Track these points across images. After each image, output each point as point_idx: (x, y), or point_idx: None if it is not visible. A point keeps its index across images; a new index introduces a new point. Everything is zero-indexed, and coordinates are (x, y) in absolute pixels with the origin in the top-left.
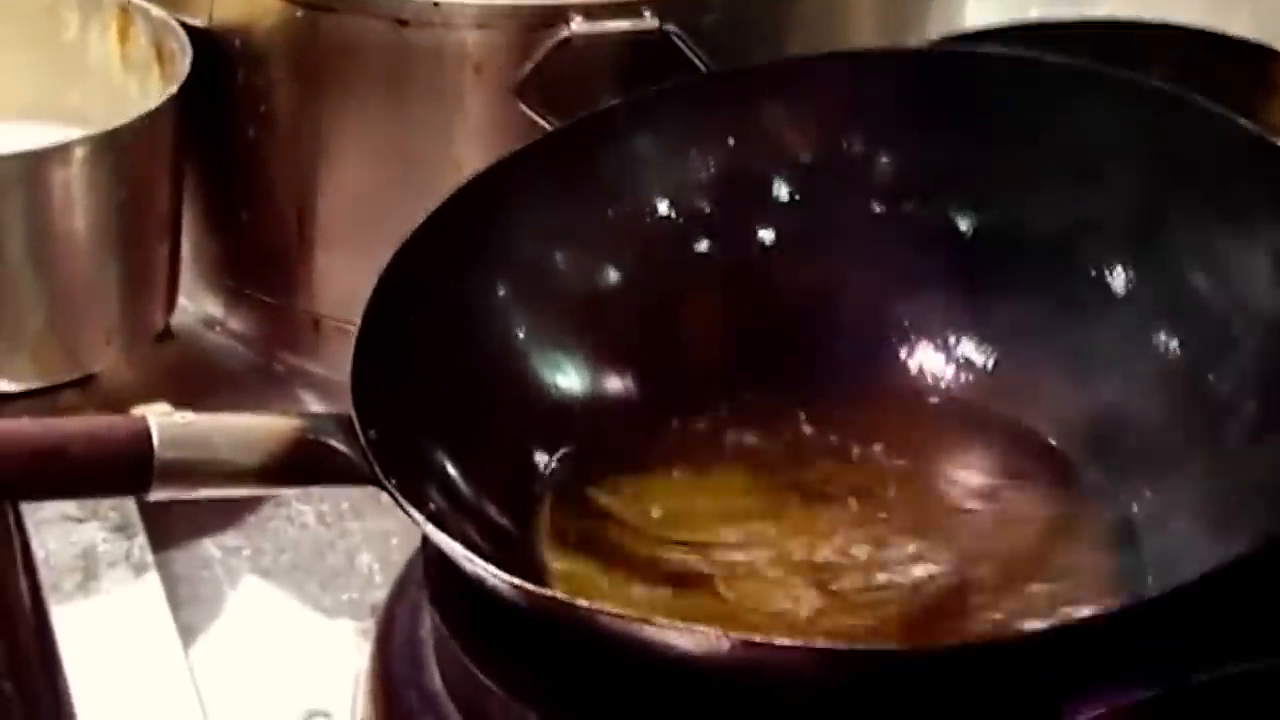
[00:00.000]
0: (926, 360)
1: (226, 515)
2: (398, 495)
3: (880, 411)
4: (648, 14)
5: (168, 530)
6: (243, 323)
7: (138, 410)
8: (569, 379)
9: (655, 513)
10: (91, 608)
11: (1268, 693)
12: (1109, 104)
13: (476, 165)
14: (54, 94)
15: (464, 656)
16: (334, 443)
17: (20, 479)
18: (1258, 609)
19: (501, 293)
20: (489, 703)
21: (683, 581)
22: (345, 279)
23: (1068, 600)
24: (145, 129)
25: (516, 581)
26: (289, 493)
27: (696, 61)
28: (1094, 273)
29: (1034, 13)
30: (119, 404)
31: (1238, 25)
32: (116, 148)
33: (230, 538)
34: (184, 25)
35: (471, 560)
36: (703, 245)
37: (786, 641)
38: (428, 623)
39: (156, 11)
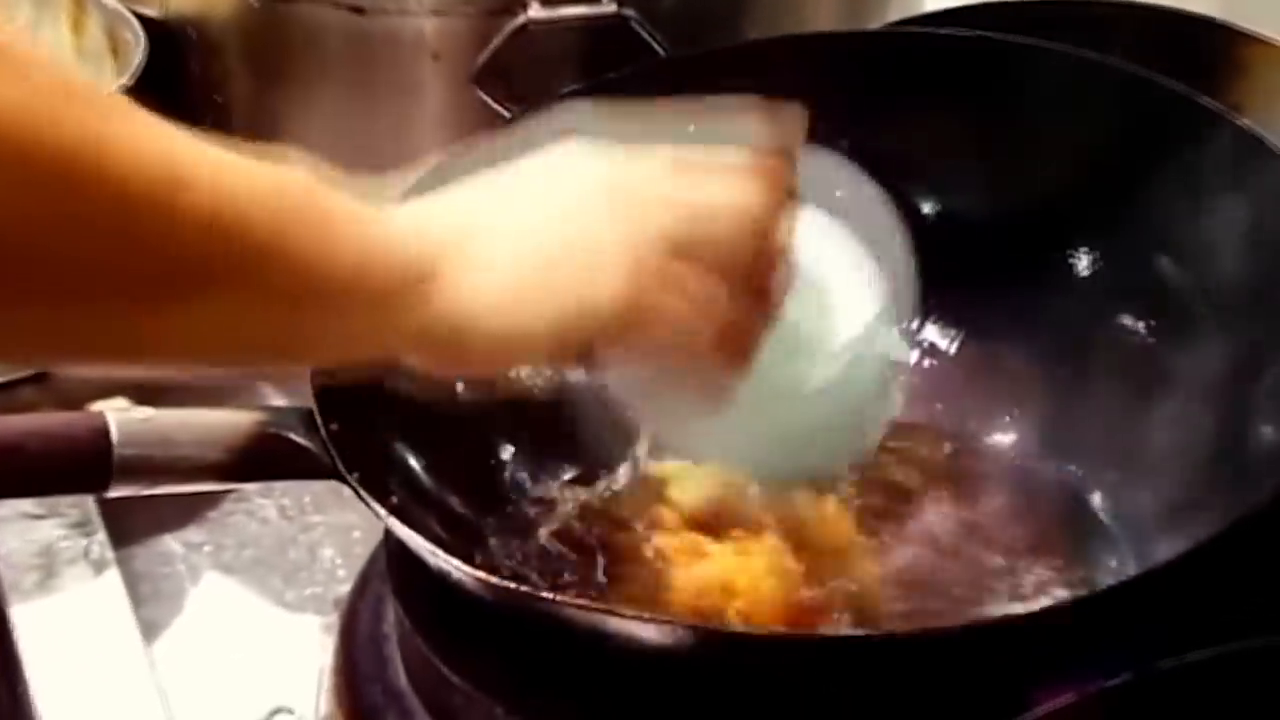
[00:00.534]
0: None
1: (187, 511)
2: (360, 489)
3: None
4: None
5: (128, 527)
6: None
7: (95, 406)
8: (530, 370)
9: (619, 501)
10: (51, 606)
11: (1234, 678)
12: (1071, 85)
13: (435, 154)
14: None
15: (428, 650)
16: (295, 436)
17: None
18: (1225, 594)
19: None
20: (454, 697)
21: (643, 569)
22: None
23: (1034, 587)
24: None
25: (480, 574)
26: (250, 487)
27: (655, 46)
28: (1057, 256)
29: None
30: (76, 400)
31: (1200, 3)
32: None
33: (191, 533)
34: (138, 15)
35: (435, 553)
36: None
37: (751, 630)
38: (391, 617)
39: (110, 1)
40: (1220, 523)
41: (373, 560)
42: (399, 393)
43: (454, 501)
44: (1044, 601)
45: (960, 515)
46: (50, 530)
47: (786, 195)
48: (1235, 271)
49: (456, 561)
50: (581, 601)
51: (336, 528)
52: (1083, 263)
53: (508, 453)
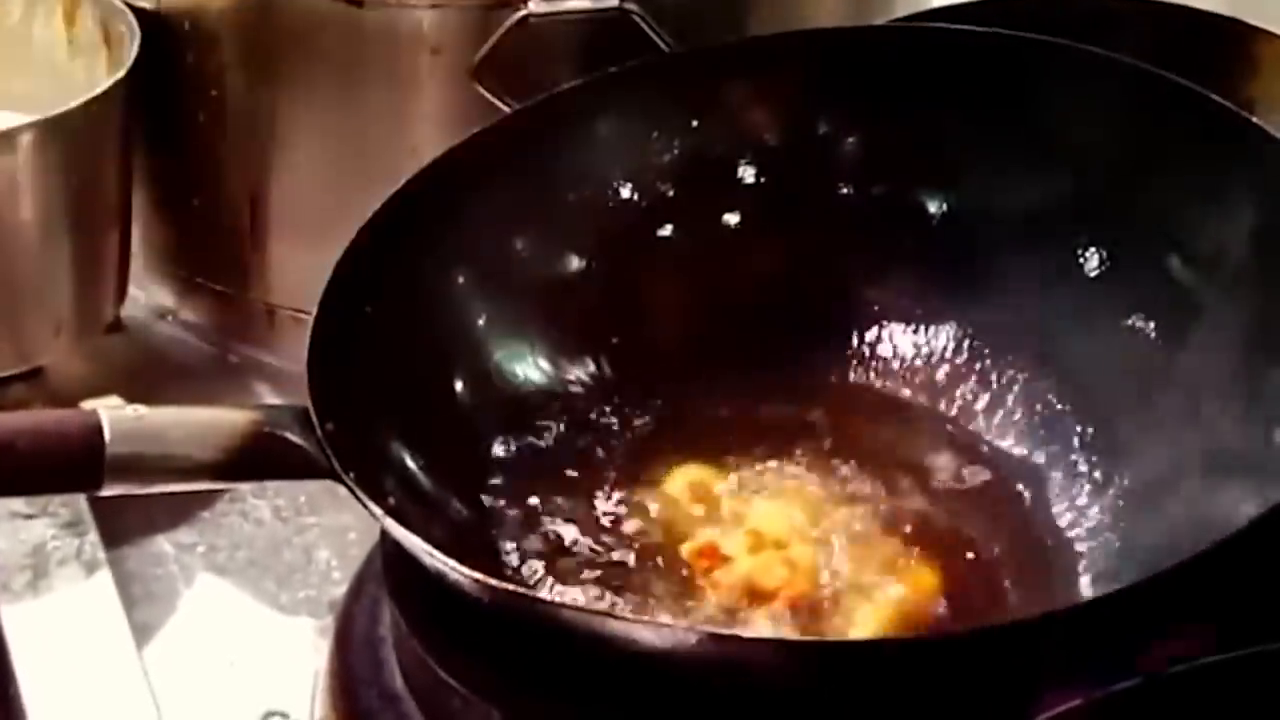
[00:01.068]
0: (895, 344)
1: (180, 511)
2: (356, 489)
3: (847, 397)
4: None
5: (120, 527)
6: (195, 313)
7: (88, 404)
8: (529, 368)
9: (617, 501)
10: (42, 607)
11: (1244, 684)
12: (1081, 81)
13: (434, 150)
14: None
15: (425, 654)
16: (290, 436)
17: None
18: (1237, 599)
19: (460, 280)
20: (451, 701)
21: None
22: (300, 267)
23: (1038, 592)
24: (93, 114)
25: (478, 576)
26: (244, 488)
27: (658, 41)
28: (1066, 254)
29: None
30: (68, 398)
31: (1212, 0)
32: (63, 134)
33: (184, 534)
34: (132, 8)
35: (432, 554)
36: (666, 229)
37: (754, 634)
38: (387, 619)
39: None
40: (1233, 525)
41: (368, 562)
42: (397, 392)
43: (452, 502)
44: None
45: (967, 518)
46: (41, 530)
47: None
48: (1246, 271)
49: (454, 563)
50: (580, 605)
51: (332, 529)
52: (1091, 262)
53: (506, 453)
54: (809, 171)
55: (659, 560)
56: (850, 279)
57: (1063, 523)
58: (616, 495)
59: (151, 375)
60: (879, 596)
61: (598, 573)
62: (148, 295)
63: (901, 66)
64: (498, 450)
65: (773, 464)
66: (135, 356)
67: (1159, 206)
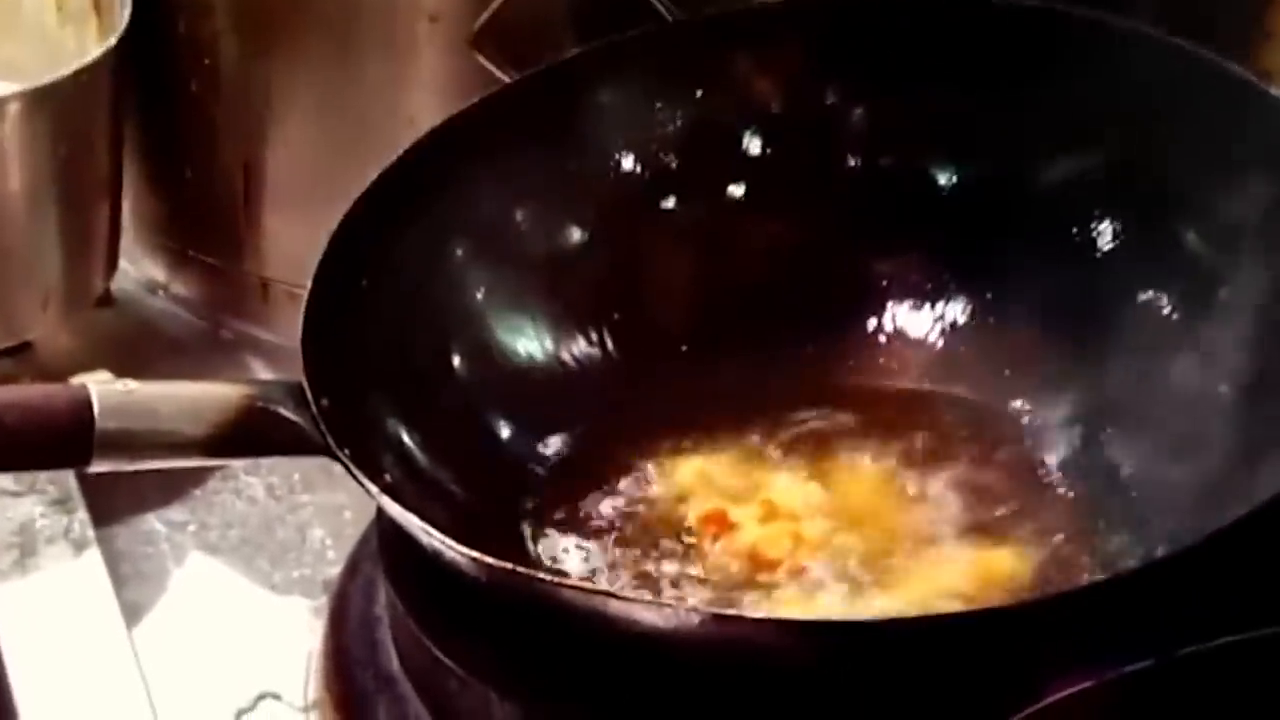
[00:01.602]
0: (905, 321)
1: (171, 489)
2: (351, 466)
3: (857, 373)
4: None
5: (109, 505)
6: (187, 286)
7: (77, 379)
8: (529, 342)
9: (619, 480)
10: (29, 586)
11: (1259, 665)
12: (1095, 50)
13: (432, 119)
14: None
15: (421, 634)
16: (284, 411)
17: None
18: (1253, 578)
19: (459, 253)
20: (448, 683)
21: (655, 548)
22: (295, 240)
23: (1051, 572)
24: (83, 83)
25: (476, 555)
26: (237, 464)
27: (661, 9)
28: (1080, 228)
29: None
30: (57, 373)
31: None
32: (52, 103)
33: (175, 512)
34: None
35: (429, 533)
36: (669, 202)
37: (760, 615)
38: (383, 600)
39: None
40: (1248, 504)
41: (364, 541)
42: (393, 367)
43: (449, 480)
44: (1059, 583)
45: (976, 492)
46: (29, 507)
47: None
48: (1264, 246)
49: (451, 542)
50: (580, 584)
51: (326, 507)
52: (1105, 236)
53: (506, 430)
54: (816, 143)
55: (662, 539)
56: (858, 252)
57: (1079, 500)
58: (619, 474)
59: (142, 350)
60: (891, 577)
61: (599, 551)
62: (138, 268)
63: (911, 34)
64: (496, 426)
65: (779, 441)
66: (125, 331)
67: (1175, 178)
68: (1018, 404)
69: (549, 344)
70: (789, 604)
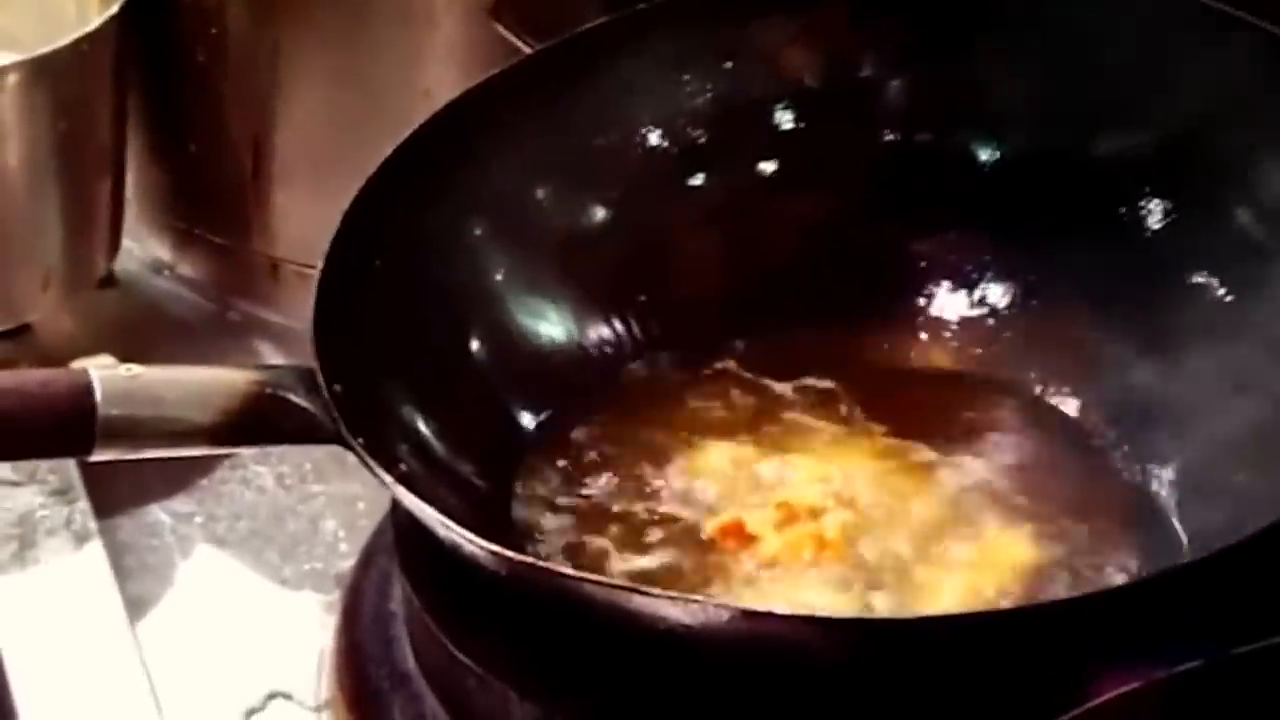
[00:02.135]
0: (943, 302)
1: (177, 478)
2: (365, 455)
3: (892, 358)
4: None
5: (112, 495)
6: (193, 267)
7: (78, 363)
8: (551, 325)
9: (643, 471)
10: (29, 580)
11: None
12: (1147, 22)
13: (449, 92)
14: None
15: (438, 631)
16: (294, 398)
17: None
18: None
19: (477, 232)
20: (465, 680)
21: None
22: (305, 218)
23: (1095, 568)
24: (83, 53)
25: (495, 548)
26: (245, 453)
27: None
28: (1127, 207)
29: None
30: (57, 357)
31: None
32: (52, 73)
33: (181, 503)
34: None
35: (446, 525)
36: (697, 179)
37: (789, 611)
38: (398, 594)
39: None
40: None
41: (378, 533)
42: (408, 351)
43: (467, 469)
44: (1105, 580)
45: (1017, 480)
46: (29, 498)
47: None
48: None
49: (469, 534)
50: (602, 578)
51: (339, 498)
52: (1155, 215)
53: (526, 417)
54: (851, 116)
55: (687, 533)
56: (894, 232)
57: (1126, 491)
58: (643, 464)
59: (146, 333)
60: (927, 571)
61: (622, 546)
62: (142, 247)
63: (950, 4)
64: (516, 414)
65: (812, 429)
66: (129, 313)
67: (1228, 156)
68: (1062, 390)
69: (571, 328)
70: (815, 599)
